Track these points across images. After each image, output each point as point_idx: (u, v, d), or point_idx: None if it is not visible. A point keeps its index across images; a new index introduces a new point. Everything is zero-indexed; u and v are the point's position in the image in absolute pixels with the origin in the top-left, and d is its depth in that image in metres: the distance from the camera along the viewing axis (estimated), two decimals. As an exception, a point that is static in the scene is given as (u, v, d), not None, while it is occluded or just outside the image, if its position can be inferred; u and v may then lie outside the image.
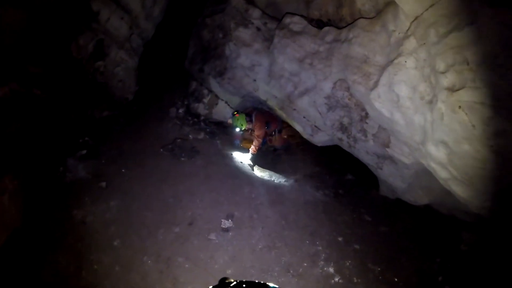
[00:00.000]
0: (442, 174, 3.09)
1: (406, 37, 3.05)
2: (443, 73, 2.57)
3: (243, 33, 4.92)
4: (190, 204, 4.06)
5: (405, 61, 2.98)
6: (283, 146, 6.30)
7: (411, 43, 2.97)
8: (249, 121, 5.63)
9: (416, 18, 2.90)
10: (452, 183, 3.12)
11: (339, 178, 5.72)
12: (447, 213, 4.49)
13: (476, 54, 2.35)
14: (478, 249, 4.11)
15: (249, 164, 5.47)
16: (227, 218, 3.97)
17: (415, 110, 3.11)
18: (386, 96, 3.43)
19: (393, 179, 4.54)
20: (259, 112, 5.83)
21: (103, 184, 4.15)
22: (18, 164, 3.72)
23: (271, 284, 0.92)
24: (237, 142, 6.11)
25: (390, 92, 3.35)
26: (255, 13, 4.89)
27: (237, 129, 5.65)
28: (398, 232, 4.57)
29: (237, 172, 4.77)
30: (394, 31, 3.25)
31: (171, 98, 5.81)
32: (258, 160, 5.81)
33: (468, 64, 2.35)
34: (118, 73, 5.09)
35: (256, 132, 5.67)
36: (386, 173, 4.55)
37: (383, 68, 3.45)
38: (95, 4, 4.83)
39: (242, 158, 5.54)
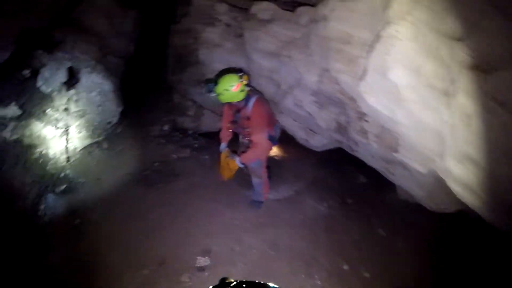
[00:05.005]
0: (468, 198, 1.76)
1: (396, -8, 1.73)
2: (460, 40, 1.24)
3: (212, 33, 3.77)
4: (161, 239, 3.10)
5: (397, 30, 1.66)
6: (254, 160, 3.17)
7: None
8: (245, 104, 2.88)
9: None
10: (485, 210, 1.78)
11: (349, 183, 4.40)
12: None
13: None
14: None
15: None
16: (203, 255, 2.95)
17: (423, 105, 1.78)
18: (380, 87, 2.12)
19: (409, 185, 3.19)
20: (261, 97, 3.01)
21: (78, 221, 3.39)
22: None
23: (271, 284, 0.78)
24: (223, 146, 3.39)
25: (384, 81, 2.04)
26: (222, 7, 3.71)
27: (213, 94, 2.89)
28: (420, 249, 3.25)
29: (219, 193, 3.67)
30: (378, -11, 1.94)
31: (157, 114, 4.87)
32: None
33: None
34: (94, 98, 4.26)
35: (255, 133, 2.90)
36: (400, 179, 3.21)
37: (371, 48, 2.14)
38: (57, 33, 4.01)
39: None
